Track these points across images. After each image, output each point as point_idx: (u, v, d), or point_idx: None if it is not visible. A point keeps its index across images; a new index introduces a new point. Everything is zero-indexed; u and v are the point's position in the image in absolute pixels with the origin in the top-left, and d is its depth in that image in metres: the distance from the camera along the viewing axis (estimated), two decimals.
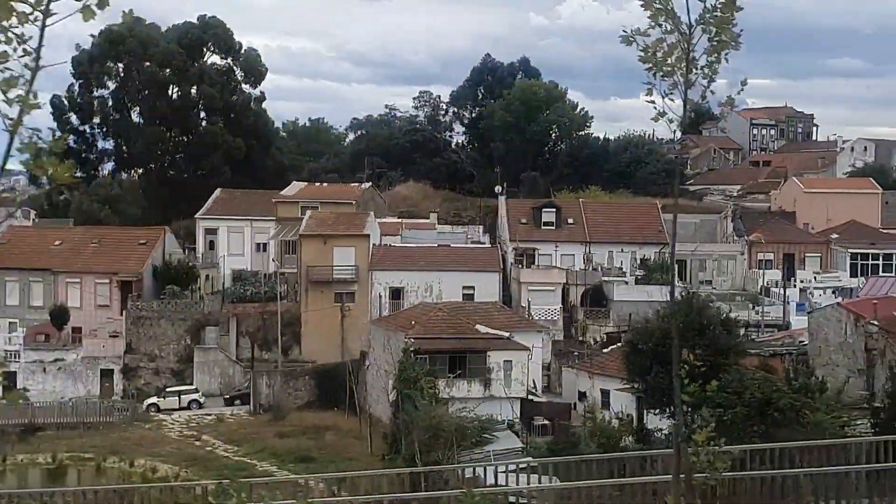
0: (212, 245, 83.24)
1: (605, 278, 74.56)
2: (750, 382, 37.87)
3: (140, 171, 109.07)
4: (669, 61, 8.16)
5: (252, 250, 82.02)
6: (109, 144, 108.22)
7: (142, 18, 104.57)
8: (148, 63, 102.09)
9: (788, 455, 16.36)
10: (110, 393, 69.04)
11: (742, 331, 57.76)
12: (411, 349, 51.31)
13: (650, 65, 7.97)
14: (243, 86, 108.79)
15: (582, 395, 57.94)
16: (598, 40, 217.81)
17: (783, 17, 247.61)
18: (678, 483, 8.08)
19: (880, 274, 74.48)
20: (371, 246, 72.26)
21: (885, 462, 15.70)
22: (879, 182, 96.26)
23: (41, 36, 5.42)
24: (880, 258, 77.57)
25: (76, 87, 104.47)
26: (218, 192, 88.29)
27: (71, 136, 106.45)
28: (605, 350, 61.98)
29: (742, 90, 8.29)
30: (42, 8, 5.33)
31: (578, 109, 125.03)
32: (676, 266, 77.75)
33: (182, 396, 65.80)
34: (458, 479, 24.64)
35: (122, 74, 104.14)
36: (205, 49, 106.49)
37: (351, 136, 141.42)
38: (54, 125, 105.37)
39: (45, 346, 70.82)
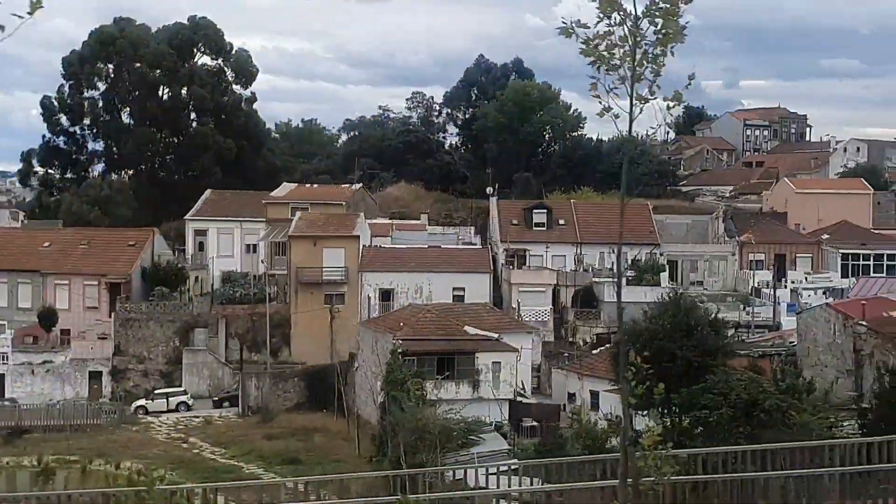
0: (201, 246, 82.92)
1: (596, 279, 74.39)
2: (736, 383, 37.69)
3: (130, 172, 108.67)
4: (616, 54, 7.95)
5: (242, 252, 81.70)
6: (100, 145, 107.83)
7: (132, 19, 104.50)
8: (138, 64, 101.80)
9: (761, 456, 16.14)
10: (98, 395, 68.70)
11: (732, 331, 57.70)
12: (399, 351, 51.14)
13: (593, 58, 7.75)
14: (234, 86, 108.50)
15: (571, 397, 57.74)
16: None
17: (780, 17, 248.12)
18: (625, 487, 7.87)
19: (871, 274, 74.43)
20: (361, 247, 72.02)
21: (858, 465, 15.49)
22: (871, 182, 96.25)
23: None
24: (871, 258, 77.45)
25: (66, 88, 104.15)
26: (208, 193, 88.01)
27: (61, 138, 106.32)
28: (594, 351, 61.77)
29: (690, 84, 8.05)
30: None
31: (572, 110, 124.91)
32: (667, 267, 77.94)
33: (170, 398, 65.49)
34: (443, 481, 24.46)
35: (112, 75, 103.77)
36: (195, 50, 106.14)
37: (344, 138, 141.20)
38: (44, 126, 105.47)
39: (33, 348, 70.47)
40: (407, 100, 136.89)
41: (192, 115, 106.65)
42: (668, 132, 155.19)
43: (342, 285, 70.63)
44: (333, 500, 18.50)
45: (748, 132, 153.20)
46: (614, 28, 7.96)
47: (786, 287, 73.32)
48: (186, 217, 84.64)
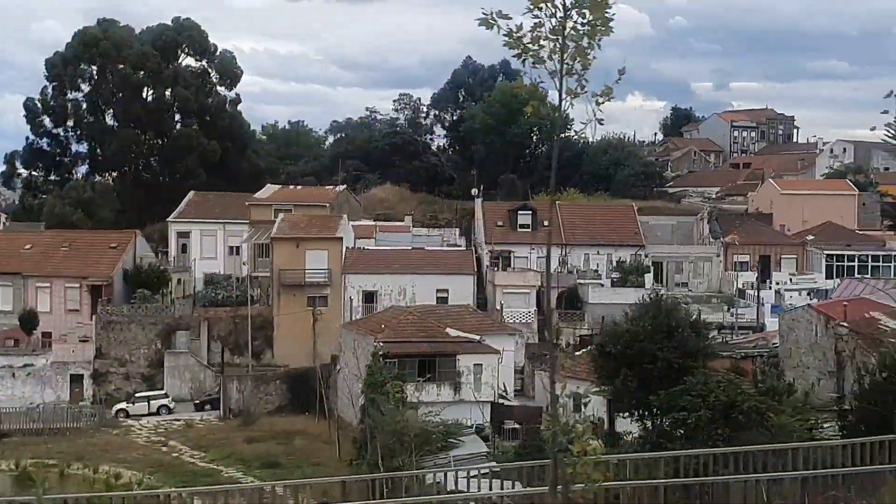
0: (184, 248, 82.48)
1: (580, 281, 74.20)
2: (715, 385, 37.42)
3: (114, 174, 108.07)
4: (546, 47, 7.69)
5: (225, 254, 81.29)
6: (83, 147, 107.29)
7: (115, 20, 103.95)
8: (122, 65, 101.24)
9: (724, 460, 15.91)
10: (80, 398, 68.24)
11: (716, 333, 57.52)
12: (380, 353, 50.84)
13: (518, 51, 7.48)
14: (218, 88, 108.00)
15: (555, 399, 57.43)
16: None
17: (770, 19, 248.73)
18: (555, 494, 7.59)
19: (856, 275, 74.34)
20: (344, 249, 71.67)
21: (814, 468, 15.26)
22: (857, 184, 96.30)
23: None
24: (856, 259, 77.43)
25: (49, 90, 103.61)
26: (191, 195, 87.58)
27: (45, 140, 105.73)
28: (577, 353, 61.48)
29: (620, 79, 7.78)
30: None
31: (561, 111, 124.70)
32: (652, 268, 77.79)
33: (151, 402, 65.07)
34: (419, 485, 24.18)
35: (95, 77, 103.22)
36: (179, 51, 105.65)
37: (331, 139, 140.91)
38: (27, 128, 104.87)
39: (14, 352, 69.91)
40: (394, 101, 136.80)
41: (177, 117, 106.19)
42: (657, 134, 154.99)
43: (325, 287, 70.28)
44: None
45: (736, 134, 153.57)
46: (544, 20, 7.70)
47: (770, 288, 73.23)
48: (169, 219, 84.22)
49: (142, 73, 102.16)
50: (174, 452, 55.19)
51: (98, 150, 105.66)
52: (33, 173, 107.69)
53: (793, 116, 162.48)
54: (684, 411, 36.86)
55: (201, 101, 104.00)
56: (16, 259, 75.15)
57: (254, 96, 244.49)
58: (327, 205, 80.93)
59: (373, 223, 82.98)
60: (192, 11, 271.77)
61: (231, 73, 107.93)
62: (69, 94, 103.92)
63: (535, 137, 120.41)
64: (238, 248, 79.44)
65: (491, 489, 22.42)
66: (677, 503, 14.16)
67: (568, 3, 7.57)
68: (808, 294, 70.48)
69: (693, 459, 16.39)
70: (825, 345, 49.42)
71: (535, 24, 7.73)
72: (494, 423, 52.40)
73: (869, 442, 17.38)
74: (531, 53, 7.53)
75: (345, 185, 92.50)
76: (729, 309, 69.93)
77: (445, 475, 27.61)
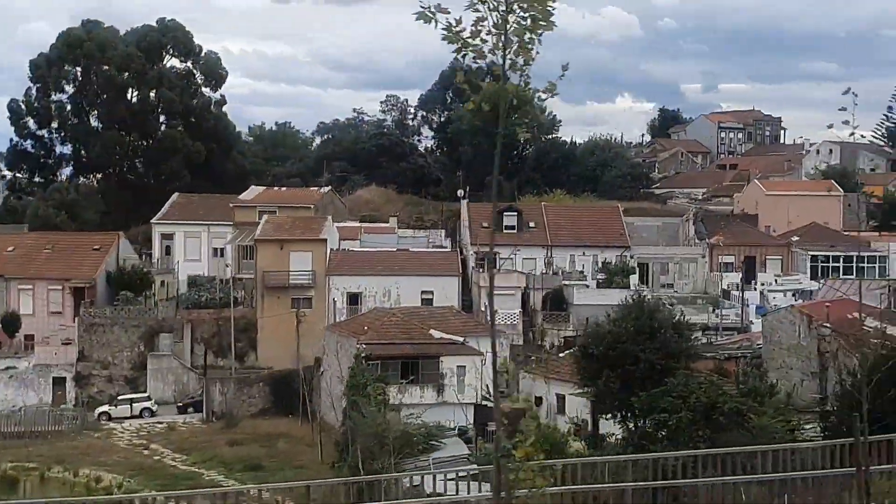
0: (168, 250, 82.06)
1: (566, 282, 74.09)
2: (696, 387, 37.30)
3: (99, 175, 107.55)
4: (489, 42, 7.50)
5: (209, 255, 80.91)
6: (67, 149, 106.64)
7: (100, 21, 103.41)
8: (106, 66, 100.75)
9: (703, 462, 15.74)
10: (62, 401, 67.83)
11: (700, 334, 57.43)
12: (363, 355, 50.62)
13: (457, 46, 7.28)
14: (203, 89, 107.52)
15: (539, 400, 57.29)
16: (572, 45, 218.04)
17: (757, 20, 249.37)
18: (499, 500, 7.40)
19: (841, 276, 74.38)
20: (328, 250, 71.39)
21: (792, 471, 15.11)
22: (842, 185, 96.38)
23: None
24: (841, 260, 77.48)
25: (34, 91, 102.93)
26: (175, 196, 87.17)
27: (28, 141, 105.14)
28: (561, 354, 61.42)
29: (563, 75, 7.61)
30: None
31: (547, 113, 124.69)
32: (638, 269, 77.73)
33: (134, 404, 64.74)
34: (399, 487, 23.99)
35: (80, 78, 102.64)
36: (164, 52, 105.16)
37: (318, 141, 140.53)
38: (11, 130, 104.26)
39: None
40: (381, 103, 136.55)
41: (161, 118, 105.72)
42: (644, 135, 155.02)
43: (309, 289, 69.97)
44: None
45: (723, 135, 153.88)
46: (487, 14, 7.50)
47: (755, 289, 73.23)
48: (153, 221, 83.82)
49: (126, 74, 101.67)
50: (156, 455, 54.88)
51: (82, 152, 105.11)
52: (17, 175, 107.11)
53: (780, 118, 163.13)
54: (665, 413, 36.76)
55: (186, 103, 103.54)
56: None
57: (243, 98, 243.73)
58: (312, 206, 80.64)
59: (358, 225, 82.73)
60: (181, 13, 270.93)
61: (216, 75, 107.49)
62: (53, 96, 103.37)
63: (522, 139, 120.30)
64: (222, 249, 79.07)
65: (469, 492, 22.27)
66: None
67: None
68: (793, 295, 70.44)
69: (672, 461, 16.21)
70: (808, 346, 49.41)
71: (477, 18, 7.53)
72: (478, 424, 52.19)
73: (848, 443, 17.24)
74: (471, 48, 7.33)
75: (330, 187, 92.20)
76: (714, 310, 69.91)
77: (423, 478, 27.49)
